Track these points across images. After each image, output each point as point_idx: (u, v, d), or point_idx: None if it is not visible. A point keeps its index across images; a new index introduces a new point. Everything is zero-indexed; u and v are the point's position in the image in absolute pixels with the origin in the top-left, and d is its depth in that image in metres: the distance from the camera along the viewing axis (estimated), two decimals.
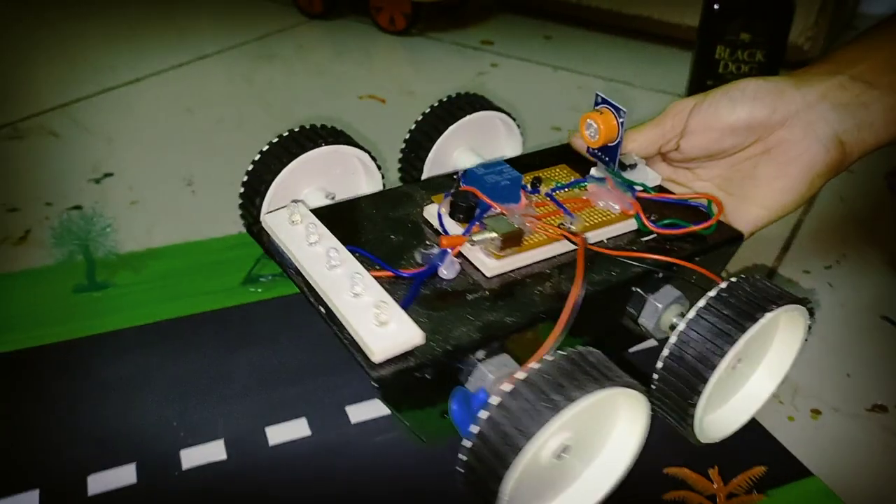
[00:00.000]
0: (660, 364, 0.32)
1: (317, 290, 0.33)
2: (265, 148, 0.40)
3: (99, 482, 0.36)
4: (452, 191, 0.37)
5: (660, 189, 0.41)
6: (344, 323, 0.31)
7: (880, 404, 0.44)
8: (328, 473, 0.37)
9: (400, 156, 0.46)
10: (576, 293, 0.31)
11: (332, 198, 0.42)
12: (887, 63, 0.36)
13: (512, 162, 0.41)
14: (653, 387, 0.33)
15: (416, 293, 0.33)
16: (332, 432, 0.39)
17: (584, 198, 0.39)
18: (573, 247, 0.36)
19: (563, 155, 0.43)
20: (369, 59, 0.99)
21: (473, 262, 0.35)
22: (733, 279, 0.33)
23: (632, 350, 0.45)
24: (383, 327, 0.30)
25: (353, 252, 0.34)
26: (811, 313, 0.35)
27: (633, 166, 0.40)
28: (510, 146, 0.49)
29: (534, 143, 0.58)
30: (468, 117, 0.45)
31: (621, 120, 0.38)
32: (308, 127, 0.41)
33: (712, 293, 0.32)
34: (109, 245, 0.50)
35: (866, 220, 0.63)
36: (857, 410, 0.43)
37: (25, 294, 0.48)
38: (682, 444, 0.35)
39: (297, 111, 0.80)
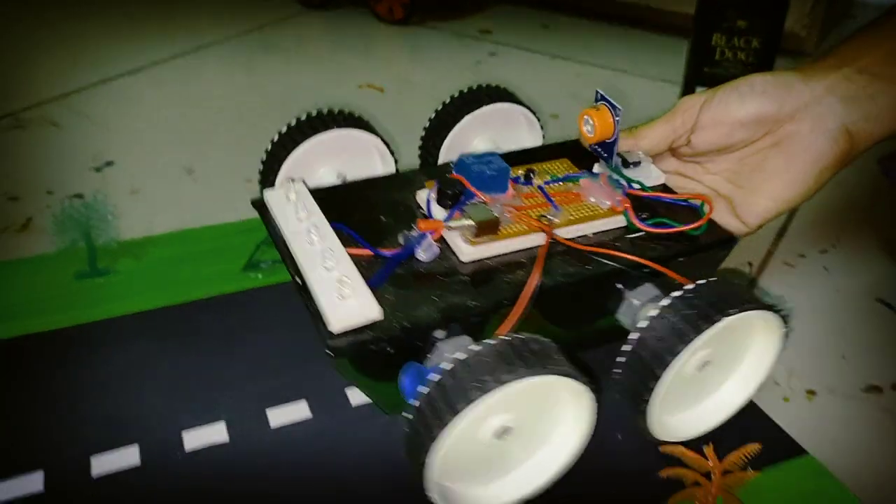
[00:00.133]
0: (620, 358, 0.33)
1: (297, 262, 0.34)
2: (283, 129, 0.42)
3: (103, 463, 0.36)
4: (441, 178, 0.37)
5: (663, 188, 0.41)
6: (312, 294, 0.32)
7: (875, 385, 0.44)
8: (329, 455, 0.38)
9: (419, 143, 0.47)
10: (533, 282, 0.33)
11: (344, 180, 0.43)
12: (892, 54, 0.36)
13: (518, 153, 0.42)
14: (614, 377, 0.34)
15: (389, 272, 0.34)
16: (332, 414, 0.40)
17: (576, 192, 0.39)
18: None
19: (572, 150, 0.43)
20: (368, 48, 0.99)
21: (452, 247, 0.36)
22: (703, 281, 0.33)
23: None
24: (344, 300, 0.31)
25: (338, 229, 0.35)
26: (784, 320, 0.35)
27: (636, 164, 0.40)
28: (530, 141, 0.49)
29: None
30: (485, 108, 0.45)
31: (617, 118, 0.38)
32: (325, 111, 0.43)
33: (677, 293, 0.33)
34: (111, 232, 0.50)
35: (861, 204, 0.64)
36: (852, 392, 0.44)
37: (28, 281, 0.49)
38: None
39: (296, 100, 0.80)
